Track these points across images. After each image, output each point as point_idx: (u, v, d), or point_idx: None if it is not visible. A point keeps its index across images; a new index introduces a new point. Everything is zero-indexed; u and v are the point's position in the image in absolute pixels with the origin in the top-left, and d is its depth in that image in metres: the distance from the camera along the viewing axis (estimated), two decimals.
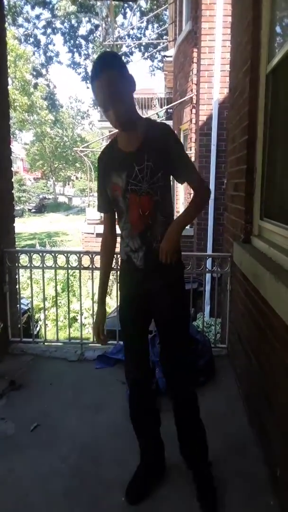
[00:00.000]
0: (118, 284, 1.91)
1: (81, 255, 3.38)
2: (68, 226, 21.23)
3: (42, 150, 37.50)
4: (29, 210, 32.60)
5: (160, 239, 1.69)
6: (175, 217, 1.76)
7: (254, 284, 2.23)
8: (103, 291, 1.97)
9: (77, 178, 47.17)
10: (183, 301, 1.84)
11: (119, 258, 1.91)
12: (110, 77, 1.51)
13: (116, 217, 1.82)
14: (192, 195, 1.81)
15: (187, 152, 7.06)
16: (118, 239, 1.92)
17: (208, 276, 4.59)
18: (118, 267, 2.31)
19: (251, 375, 2.43)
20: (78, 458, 2.15)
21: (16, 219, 3.79)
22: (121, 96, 1.54)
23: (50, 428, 2.40)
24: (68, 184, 51.52)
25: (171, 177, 1.73)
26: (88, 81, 25.55)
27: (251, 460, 2.12)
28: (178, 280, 1.81)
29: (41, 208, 34.30)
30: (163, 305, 1.75)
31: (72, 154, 33.43)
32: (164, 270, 1.70)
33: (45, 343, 3.53)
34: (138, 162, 1.62)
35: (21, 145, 43.14)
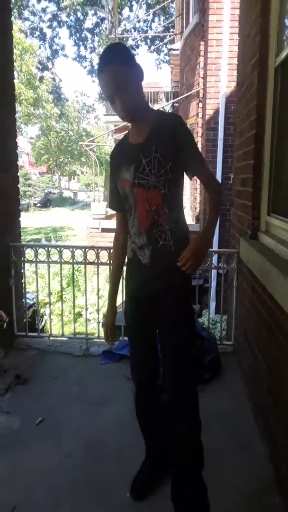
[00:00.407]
0: (125, 281, 1.86)
1: (87, 250, 3.37)
2: (74, 221, 21.23)
3: (48, 144, 37.41)
4: (35, 204, 32.60)
5: (167, 237, 1.61)
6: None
7: (261, 281, 2.21)
8: (114, 292, 1.92)
9: (82, 172, 47.08)
10: (188, 303, 1.71)
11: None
12: (116, 67, 1.47)
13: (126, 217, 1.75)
14: (205, 194, 1.74)
15: None
16: None
17: (214, 272, 4.56)
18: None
19: (257, 372, 2.42)
20: (83, 453, 2.15)
21: (22, 214, 3.78)
22: (127, 85, 1.49)
23: (55, 423, 2.40)
24: (73, 179, 51.43)
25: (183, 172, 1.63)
26: (94, 75, 25.48)
27: (256, 457, 2.11)
28: (185, 281, 1.67)
29: (47, 203, 34.29)
30: (168, 306, 1.63)
31: (78, 148, 33.31)
32: (171, 269, 1.57)
33: (50, 338, 3.53)
34: (145, 154, 1.55)
35: (26, 139, 43.09)
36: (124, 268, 1.90)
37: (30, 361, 3.12)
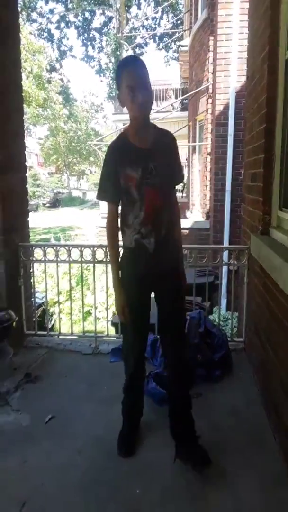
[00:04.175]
0: (121, 270, 2.03)
1: (95, 248, 3.35)
2: (83, 220, 21.28)
3: (56, 145, 37.56)
4: (44, 204, 32.70)
5: (167, 226, 1.94)
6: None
7: (272, 277, 2.17)
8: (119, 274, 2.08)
9: (91, 172, 47.17)
10: (184, 282, 2.10)
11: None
12: (145, 69, 1.79)
13: (123, 206, 1.97)
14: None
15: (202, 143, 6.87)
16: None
17: (224, 269, 4.53)
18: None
19: (269, 368, 2.38)
20: (92, 450, 2.14)
21: (31, 214, 3.77)
22: (149, 87, 1.81)
23: (65, 421, 2.39)
24: (82, 178, 51.60)
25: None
26: (102, 75, 25.48)
27: (268, 452, 2.09)
28: (181, 263, 2.11)
29: (56, 203, 34.38)
30: (169, 283, 2.00)
31: (86, 148, 33.42)
32: (171, 255, 2.00)
33: (60, 337, 3.52)
34: (153, 159, 1.86)
35: (35, 140, 43.30)
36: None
37: (40, 360, 3.11)
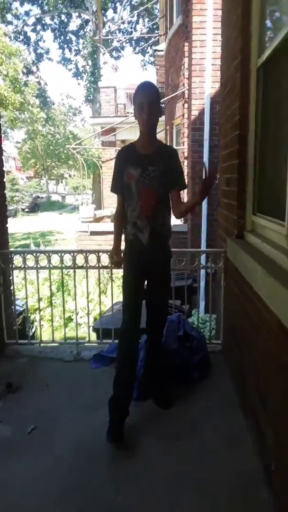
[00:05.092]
0: (124, 257, 2.48)
1: (75, 254, 3.36)
2: (62, 225, 21.12)
3: (34, 148, 37.20)
4: (22, 209, 32.26)
5: (161, 223, 2.34)
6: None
7: (247, 280, 2.23)
8: (119, 242, 2.54)
9: (70, 176, 46.93)
10: (170, 276, 2.59)
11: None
12: (155, 93, 2.27)
13: (126, 199, 2.36)
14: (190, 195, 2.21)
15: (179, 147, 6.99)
16: None
17: (202, 272, 4.58)
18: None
19: (245, 370, 2.43)
20: (74, 458, 2.15)
21: (10, 219, 3.75)
22: (158, 109, 2.28)
23: (47, 430, 2.39)
24: (61, 182, 51.25)
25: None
26: (79, 78, 25.43)
27: (245, 454, 2.14)
28: (169, 260, 2.54)
29: (35, 207, 33.99)
30: (159, 271, 2.43)
31: (65, 151, 33.20)
32: (161, 247, 2.43)
33: (41, 344, 3.51)
34: (152, 163, 2.27)
35: (12, 143, 42.77)
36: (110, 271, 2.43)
37: (21, 369, 3.09)
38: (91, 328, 3.95)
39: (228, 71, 2.99)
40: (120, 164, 2.36)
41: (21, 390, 2.82)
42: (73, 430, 2.38)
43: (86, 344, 3.45)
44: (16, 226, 20.52)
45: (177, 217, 2.51)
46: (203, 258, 3.41)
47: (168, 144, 9.72)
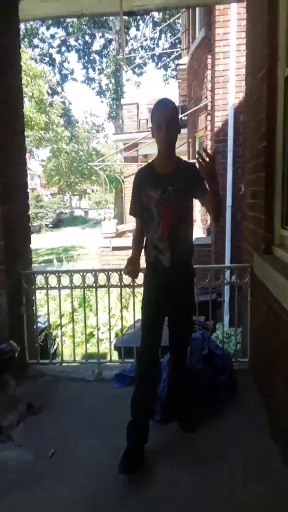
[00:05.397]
0: (144, 281, 2.39)
1: (97, 273, 3.29)
2: (85, 240, 21.28)
3: (59, 166, 37.90)
4: (46, 225, 32.75)
5: (183, 243, 2.25)
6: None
7: (276, 296, 2.11)
8: (138, 253, 2.45)
9: (92, 191, 47.45)
10: (193, 294, 2.52)
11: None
12: (174, 111, 2.20)
13: (145, 222, 2.30)
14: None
15: None
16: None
17: (227, 286, 4.44)
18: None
19: (275, 389, 2.29)
20: (97, 486, 2.05)
21: (34, 235, 3.74)
22: (176, 127, 2.17)
23: (69, 455, 2.31)
24: (84, 197, 51.88)
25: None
26: (102, 96, 25.86)
27: (276, 478, 2.00)
28: (192, 278, 2.47)
29: (58, 223, 34.45)
30: (182, 291, 2.32)
31: (88, 167, 33.70)
32: (184, 267, 2.31)
33: (63, 364, 3.43)
34: (172, 184, 2.18)
35: (38, 162, 43.74)
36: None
37: (43, 389, 3.02)
38: (112, 346, 3.87)
39: (254, 82, 2.91)
40: (139, 186, 2.29)
41: (43, 411, 2.74)
42: (94, 455, 2.28)
43: (107, 364, 3.35)
44: (40, 242, 20.82)
45: (215, 220, 2.28)
46: (227, 272, 3.27)
47: (190, 157, 9.68)
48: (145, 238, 2.37)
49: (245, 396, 2.78)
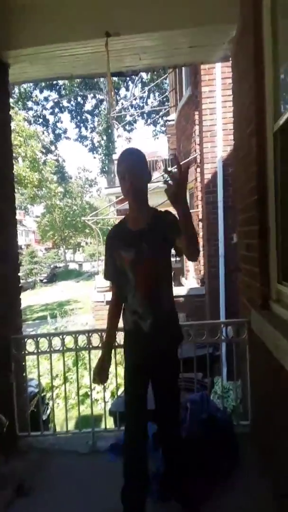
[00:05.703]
0: (123, 352, 2.17)
1: (90, 334, 3.14)
2: (79, 293, 21.12)
3: (53, 221, 38.42)
4: (41, 280, 32.65)
5: (164, 304, 2.01)
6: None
7: (276, 357, 1.97)
8: (110, 350, 2.26)
9: (86, 243, 47.87)
10: (177, 365, 2.24)
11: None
12: (136, 161, 1.98)
13: (121, 287, 2.07)
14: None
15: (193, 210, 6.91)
16: None
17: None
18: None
19: (281, 459, 2.09)
20: None
21: (28, 291, 3.68)
22: (142, 176, 1.98)
23: None
24: (78, 250, 52.24)
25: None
26: (94, 152, 26.75)
27: None
28: (177, 344, 2.19)
29: (53, 278, 34.34)
30: (165, 363, 2.07)
31: (81, 221, 34.18)
32: (166, 331, 2.05)
33: (55, 435, 3.19)
34: (147, 241, 1.95)
35: (32, 218, 44.40)
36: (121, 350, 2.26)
37: (33, 466, 2.75)
38: (107, 408, 3.63)
39: (241, 137, 2.93)
40: (111, 249, 2.09)
41: (33, 492, 2.48)
42: None
43: (102, 433, 3.11)
44: (34, 298, 20.63)
45: (193, 255, 1.92)
46: (224, 328, 3.13)
47: None
48: (123, 305, 2.14)
49: (249, 466, 2.54)
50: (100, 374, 2.19)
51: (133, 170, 1.94)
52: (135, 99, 23.81)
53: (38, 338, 3.17)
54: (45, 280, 32.95)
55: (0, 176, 3.12)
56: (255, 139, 2.47)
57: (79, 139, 27.25)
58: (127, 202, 2.02)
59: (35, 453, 2.93)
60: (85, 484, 2.54)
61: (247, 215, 2.80)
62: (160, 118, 21.90)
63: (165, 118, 17.06)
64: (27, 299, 20.03)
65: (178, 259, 13.24)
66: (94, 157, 27.32)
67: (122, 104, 23.16)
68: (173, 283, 2.15)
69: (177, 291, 8.03)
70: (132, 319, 2.03)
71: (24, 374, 3.26)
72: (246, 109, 2.72)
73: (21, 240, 44.95)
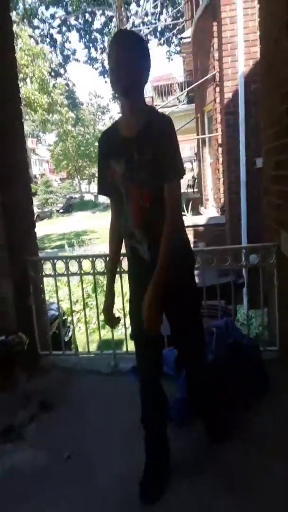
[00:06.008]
0: (128, 276, 1.98)
1: (108, 258, 3.06)
2: (96, 224, 21.12)
3: (66, 150, 37.55)
4: (57, 211, 32.73)
5: (160, 228, 1.61)
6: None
7: None
8: (112, 280, 2.03)
9: None
10: (193, 293, 1.89)
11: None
12: (135, 45, 1.58)
13: (117, 205, 1.79)
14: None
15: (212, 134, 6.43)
16: None
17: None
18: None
19: None
20: (116, 493, 1.87)
21: (45, 221, 3.60)
22: (136, 63, 1.57)
23: (85, 458, 2.12)
24: (93, 182, 51.59)
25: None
26: (106, 75, 25.27)
27: None
28: (186, 271, 1.84)
29: (69, 208, 34.38)
30: (174, 299, 1.74)
31: (95, 151, 33.35)
32: (172, 263, 1.62)
33: (77, 354, 3.26)
34: (139, 150, 1.59)
35: (45, 147, 43.42)
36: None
37: (56, 384, 2.83)
38: (128, 333, 3.66)
39: (270, 39, 2.59)
40: (102, 157, 1.74)
41: (56, 409, 2.55)
42: (113, 459, 2.09)
43: (124, 355, 3.15)
44: (52, 227, 20.72)
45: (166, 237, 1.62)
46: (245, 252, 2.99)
47: (199, 133, 9.28)
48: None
49: (280, 392, 2.48)
50: (110, 320, 2.02)
51: (125, 57, 1.54)
52: (146, 16, 21.88)
53: (55, 261, 3.12)
54: (61, 211, 33.05)
55: (9, 95, 2.93)
56: (286, 34, 2.15)
57: (89, 61, 25.57)
58: (115, 120, 1.74)
59: (58, 371, 3.00)
60: (107, 403, 2.59)
61: (277, 128, 2.55)
62: (174, 37, 20.26)
63: (179, 36, 15.76)
64: (44, 228, 20.15)
65: (196, 189, 12.86)
66: (106, 81, 25.79)
67: (134, 21, 21.33)
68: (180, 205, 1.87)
69: (196, 220, 7.86)
70: (129, 244, 1.77)
71: (42, 296, 3.27)
72: (275, 4, 2.36)
73: (35, 170, 44.49)
